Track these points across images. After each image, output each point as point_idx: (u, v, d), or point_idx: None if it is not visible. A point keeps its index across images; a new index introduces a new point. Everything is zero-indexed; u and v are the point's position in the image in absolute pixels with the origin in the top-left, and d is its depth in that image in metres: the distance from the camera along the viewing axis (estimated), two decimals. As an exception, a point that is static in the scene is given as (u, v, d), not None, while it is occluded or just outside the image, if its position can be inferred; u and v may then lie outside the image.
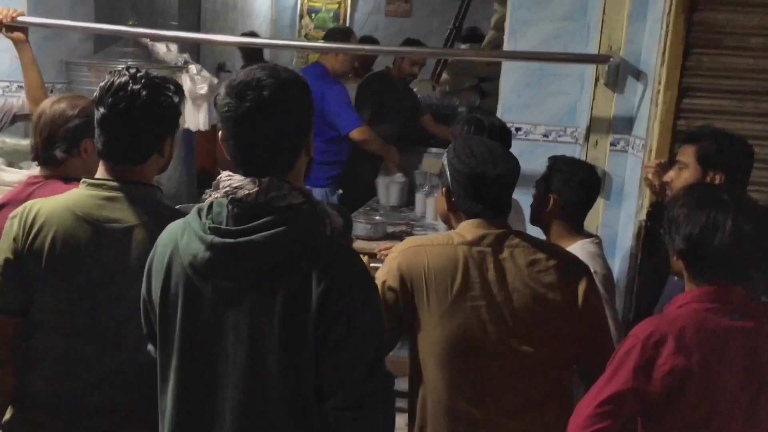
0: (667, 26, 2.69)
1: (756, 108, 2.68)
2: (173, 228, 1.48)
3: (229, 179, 1.40)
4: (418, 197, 3.98)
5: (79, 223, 1.67)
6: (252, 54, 5.19)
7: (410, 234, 3.55)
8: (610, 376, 1.63)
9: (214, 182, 1.44)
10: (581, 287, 1.89)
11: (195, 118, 3.47)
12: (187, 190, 3.70)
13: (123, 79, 1.67)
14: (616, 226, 3.11)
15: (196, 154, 3.80)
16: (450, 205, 1.95)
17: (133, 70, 1.70)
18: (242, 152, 1.40)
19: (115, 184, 1.70)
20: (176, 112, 1.76)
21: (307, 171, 1.49)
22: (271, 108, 1.36)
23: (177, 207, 2.97)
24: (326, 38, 4.38)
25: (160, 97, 1.69)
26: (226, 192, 1.39)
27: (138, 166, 1.72)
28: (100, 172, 1.74)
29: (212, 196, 1.43)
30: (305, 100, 1.43)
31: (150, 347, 1.56)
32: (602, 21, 3.04)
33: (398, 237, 3.46)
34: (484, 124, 2.59)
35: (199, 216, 1.41)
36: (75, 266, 1.66)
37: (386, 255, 2.87)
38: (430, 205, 3.84)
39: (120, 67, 1.73)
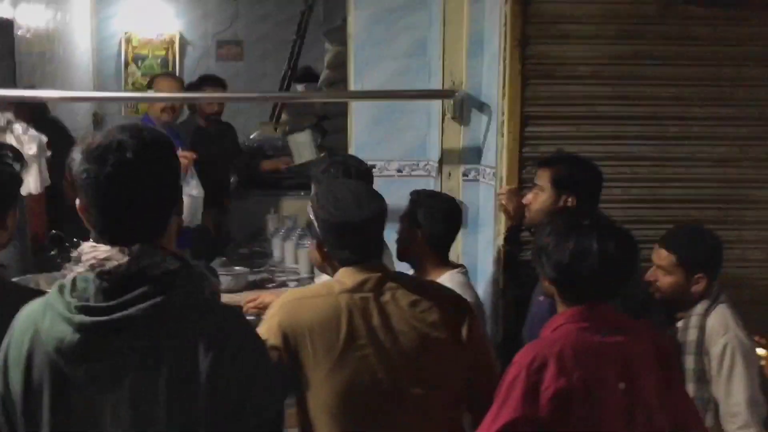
0: (504, 60, 2.83)
1: (591, 131, 2.87)
2: (31, 311, 1.35)
3: (94, 250, 1.30)
4: (275, 242, 3.90)
5: None
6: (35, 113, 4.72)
7: (273, 281, 3.47)
8: (500, 407, 1.65)
9: (74, 255, 1.34)
10: (463, 322, 1.90)
11: (25, 181, 3.18)
12: (21, 261, 3.37)
13: None
14: (475, 253, 3.21)
15: (29, 220, 3.48)
16: (324, 257, 1.91)
17: None
18: (107, 220, 1.31)
19: None
20: (17, 181, 1.61)
21: (178, 232, 1.40)
22: (137, 171, 1.29)
23: (14, 280, 2.74)
24: (150, 85, 4.20)
25: None
26: (91, 265, 1.29)
27: None
28: None
29: (74, 270, 1.32)
30: (172, 159, 1.36)
31: None
32: (443, 57, 3.15)
33: (260, 285, 3.37)
34: (349, 165, 2.57)
35: (62, 294, 1.30)
36: None
37: (253, 308, 2.80)
38: (288, 249, 3.77)
39: None
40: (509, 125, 2.83)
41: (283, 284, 3.43)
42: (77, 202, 1.33)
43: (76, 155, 1.30)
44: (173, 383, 1.27)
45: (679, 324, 2.28)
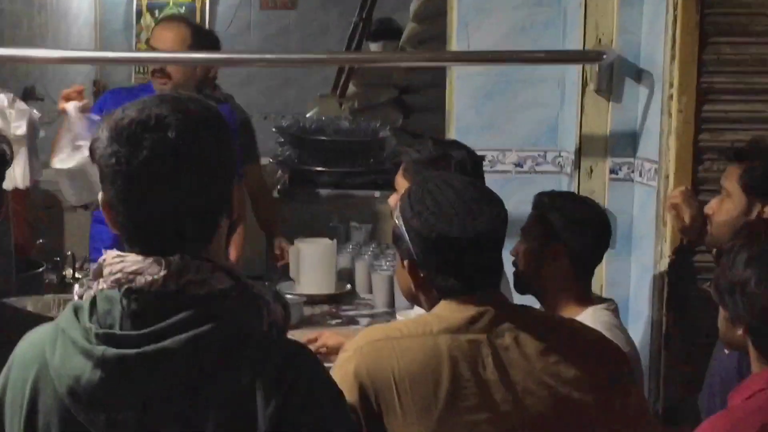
0: (675, 9, 2.81)
1: (802, 111, 2.83)
2: (35, 340, 1.42)
3: (120, 262, 1.36)
4: (340, 262, 3.96)
5: None
6: None
7: (337, 317, 3.51)
8: None
9: (95, 267, 1.40)
10: (618, 381, 1.90)
11: (12, 172, 3.33)
12: (2, 277, 3.53)
13: None
14: (626, 283, 3.19)
15: (12, 225, 3.64)
16: (418, 283, 1.93)
17: None
18: (139, 221, 1.37)
19: None
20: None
21: (228, 240, 1.46)
22: (181, 156, 1.35)
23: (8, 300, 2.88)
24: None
25: None
26: (116, 280, 1.35)
27: None
28: None
29: (93, 287, 1.39)
30: (227, 141, 1.41)
31: None
32: (584, 6, 3.15)
33: (319, 322, 3.42)
34: (454, 155, 2.59)
35: (78, 318, 1.37)
36: None
37: (316, 350, 2.85)
38: (359, 272, 3.81)
39: None
40: (680, 101, 2.81)
41: (352, 321, 3.47)
42: (99, 196, 1.39)
43: (102, 133, 1.37)
44: None
45: None
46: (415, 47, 6.14)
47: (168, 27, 3.75)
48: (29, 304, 2.94)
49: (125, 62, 6.82)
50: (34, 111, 3.54)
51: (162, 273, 1.33)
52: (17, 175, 3.43)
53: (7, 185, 3.41)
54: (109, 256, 1.38)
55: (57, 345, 1.37)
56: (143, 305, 1.34)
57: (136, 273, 1.34)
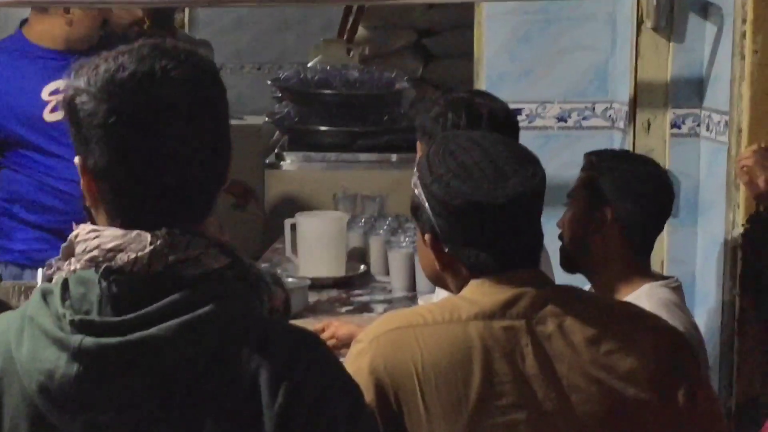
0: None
1: None
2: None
3: (96, 237, 1.38)
4: (351, 239, 3.98)
5: None
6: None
7: (348, 303, 3.55)
8: None
9: (65, 245, 1.42)
10: (682, 375, 1.92)
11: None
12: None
13: None
14: (691, 258, 3.23)
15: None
16: (443, 260, 1.95)
17: None
18: (132, 192, 1.40)
19: None
20: None
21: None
22: (194, 116, 1.39)
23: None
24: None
25: None
26: (92, 258, 1.37)
27: None
28: None
29: (64, 268, 1.41)
30: (225, 100, 1.45)
31: None
32: None
33: (329, 309, 3.46)
34: (480, 108, 2.61)
35: (47, 304, 1.38)
36: None
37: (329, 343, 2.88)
38: (374, 250, 3.83)
39: None
40: (755, 41, 2.82)
41: (365, 307, 3.51)
42: (76, 159, 1.41)
43: (85, 87, 1.38)
44: None
45: None
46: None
47: None
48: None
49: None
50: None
51: (148, 250, 1.35)
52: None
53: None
54: (83, 230, 1.39)
55: (24, 336, 1.38)
56: (125, 287, 1.35)
57: (116, 250, 1.35)
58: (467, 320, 1.87)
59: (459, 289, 1.95)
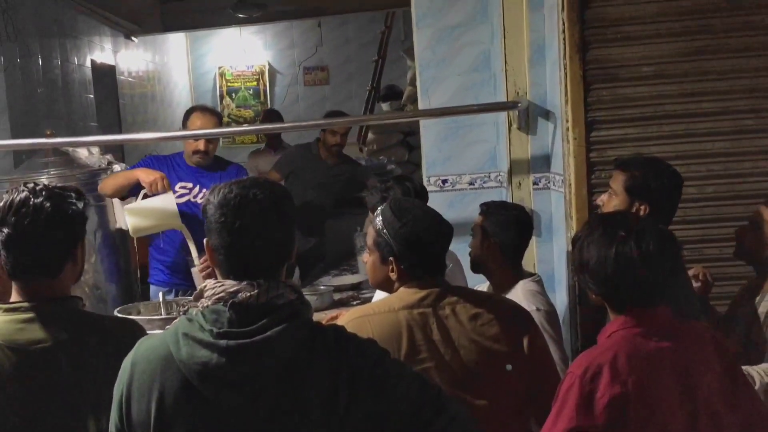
0: (565, 67, 2.81)
1: (659, 131, 2.80)
2: (155, 344, 1.42)
3: (221, 285, 1.40)
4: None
5: (2, 351, 1.62)
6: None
7: (358, 299, 3.52)
8: (555, 417, 1.64)
9: (196, 292, 1.44)
10: (525, 334, 1.92)
11: (123, 218, 3.42)
12: (129, 289, 3.62)
13: (23, 195, 1.66)
14: (551, 260, 3.17)
15: (132, 251, 3.73)
16: (399, 273, 1.94)
17: (30, 185, 1.69)
18: (235, 260, 1.42)
19: (29, 305, 1.66)
20: (83, 218, 1.75)
21: (291, 271, 1.52)
22: (268, 221, 1.41)
23: (118, 309, 2.95)
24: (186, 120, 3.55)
25: (64, 206, 1.69)
26: (219, 298, 1.39)
27: (53, 280, 1.70)
28: (14, 294, 1.70)
29: (200, 304, 1.41)
30: (293, 210, 1.48)
31: None
32: (505, 69, 3.15)
33: (345, 303, 3.43)
34: (409, 187, 2.63)
35: (194, 324, 1.39)
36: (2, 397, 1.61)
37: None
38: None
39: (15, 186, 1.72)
40: (574, 131, 2.80)
41: (368, 300, 3.46)
42: (205, 242, 1.45)
43: (213, 200, 1.42)
44: (318, 403, 1.35)
45: (758, 298, 2.19)
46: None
47: (208, 116, 3.52)
48: (142, 307, 2.98)
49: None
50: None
51: (255, 291, 1.37)
52: (123, 220, 3.49)
53: (126, 227, 3.51)
54: (209, 283, 1.42)
55: (181, 344, 1.37)
56: (242, 313, 1.37)
57: (236, 292, 1.37)
58: (398, 310, 1.88)
59: (394, 291, 1.96)
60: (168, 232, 3.35)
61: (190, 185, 3.40)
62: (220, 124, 3.62)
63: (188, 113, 3.52)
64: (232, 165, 3.58)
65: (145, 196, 3.15)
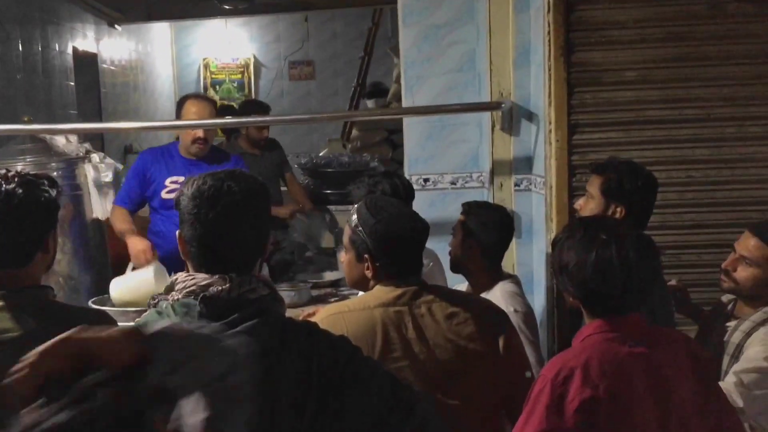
0: (549, 69, 2.81)
1: (641, 136, 2.82)
2: None
3: (192, 279, 1.38)
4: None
5: None
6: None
7: (336, 296, 3.51)
8: (526, 419, 1.64)
9: (167, 285, 1.42)
10: (500, 334, 1.92)
11: (103, 206, 3.38)
12: (102, 279, 3.58)
13: None
14: (530, 262, 3.18)
15: (108, 241, 3.69)
16: (374, 270, 1.93)
17: (2, 171, 1.66)
18: (207, 254, 1.40)
19: None
20: (55, 206, 1.72)
21: (260, 266, 1.50)
22: (242, 214, 1.40)
23: (93, 300, 2.91)
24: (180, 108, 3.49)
25: (36, 193, 1.66)
26: (191, 291, 1.37)
27: (23, 269, 1.67)
28: None
29: (170, 297, 1.39)
30: (267, 202, 1.47)
31: None
32: (490, 70, 3.15)
33: (323, 300, 3.42)
34: (398, 183, 2.61)
35: (161, 316, 1.36)
36: None
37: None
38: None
39: None
40: (557, 134, 2.81)
41: (346, 297, 3.45)
42: (177, 233, 1.42)
43: (186, 192, 1.40)
44: (288, 397, 1.31)
45: (731, 324, 2.19)
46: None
47: (203, 103, 3.47)
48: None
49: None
50: (118, 164, 3.61)
51: (227, 285, 1.35)
52: (108, 209, 3.47)
53: (102, 216, 3.48)
54: (180, 276, 1.40)
55: None
56: (213, 307, 1.34)
57: (208, 285, 1.35)
58: (374, 307, 1.87)
59: (370, 289, 1.94)
60: (161, 228, 3.34)
61: (181, 179, 3.36)
62: (215, 111, 3.53)
63: (182, 101, 3.43)
64: (229, 160, 3.50)
65: (135, 267, 3.07)
